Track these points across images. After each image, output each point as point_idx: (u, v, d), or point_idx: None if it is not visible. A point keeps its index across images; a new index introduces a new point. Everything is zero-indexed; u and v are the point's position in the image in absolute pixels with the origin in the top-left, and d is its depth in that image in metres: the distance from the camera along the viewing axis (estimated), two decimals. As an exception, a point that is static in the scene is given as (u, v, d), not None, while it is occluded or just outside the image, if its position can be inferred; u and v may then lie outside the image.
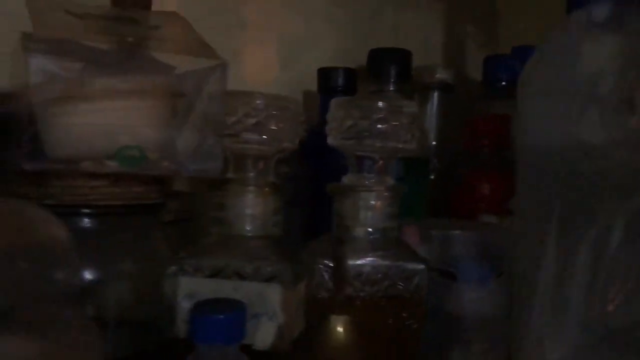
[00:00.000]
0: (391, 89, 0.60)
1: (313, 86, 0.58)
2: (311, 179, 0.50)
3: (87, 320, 0.20)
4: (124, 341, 0.29)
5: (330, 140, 0.39)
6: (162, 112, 0.28)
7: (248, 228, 0.35)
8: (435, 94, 0.69)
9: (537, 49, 0.47)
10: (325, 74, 0.53)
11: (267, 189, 0.35)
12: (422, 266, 0.37)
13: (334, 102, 0.39)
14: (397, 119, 0.37)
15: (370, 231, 0.38)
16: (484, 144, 0.63)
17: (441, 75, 0.68)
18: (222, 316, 0.29)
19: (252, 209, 0.35)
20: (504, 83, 0.70)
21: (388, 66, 0.59)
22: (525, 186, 0.45)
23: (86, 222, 0.27)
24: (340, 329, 0.27)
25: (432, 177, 0.66)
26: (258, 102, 0.33)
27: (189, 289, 0.32)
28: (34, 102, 0.24)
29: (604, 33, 0.41)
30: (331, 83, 0.52)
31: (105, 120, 0.26)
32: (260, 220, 0.35)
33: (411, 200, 0.51)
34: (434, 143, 0.68)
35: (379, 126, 0.37)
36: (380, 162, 0.38)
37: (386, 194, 0.38)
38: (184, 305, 0.32)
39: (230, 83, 0.47)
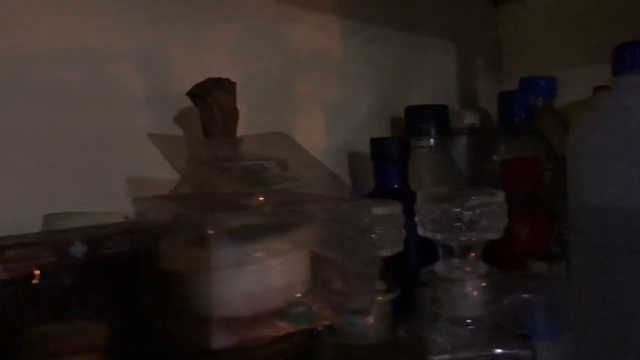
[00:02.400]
0: (431, 144, 0.61)
1: (356, 147, 0.59)
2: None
3: None
4: None
5: (421, 232, 0.40)
6: (315, 258, 0.28)
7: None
8: (464, 138, 0.71)
9: (589, 110, 0.48)
10: (378, 143, 0.53)
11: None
12: (530, 351, 0.38)
13: (422, 195, 0.40)
14: (491, 210, 0.38)
15: (469, 322, 0.39)
16: (520, 187, 0.65)
17: (469, 120, 0.70)
18: None
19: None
20: (522, 118, 0.72)
21: (428, 123, 0.60)
22: (584, 243, 0.46)
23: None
24: None
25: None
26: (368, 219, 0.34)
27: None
28: (213, 269, 0.24)
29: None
30: (385, 152, 0.53)
31: (271, 280, 0.26)
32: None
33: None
34: (467, 187, 0.69)
35: (474, 220, 0.38)
36: (473, 250, 0.39)
37: (483, 283, 0.39)
38: None
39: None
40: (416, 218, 0.40)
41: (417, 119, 0.60)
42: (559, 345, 0.49)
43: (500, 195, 0.39)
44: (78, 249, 0.29)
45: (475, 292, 0.39)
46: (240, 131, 0.44)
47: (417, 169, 0.61)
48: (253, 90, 0.50)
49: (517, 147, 0.72)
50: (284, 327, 0.26)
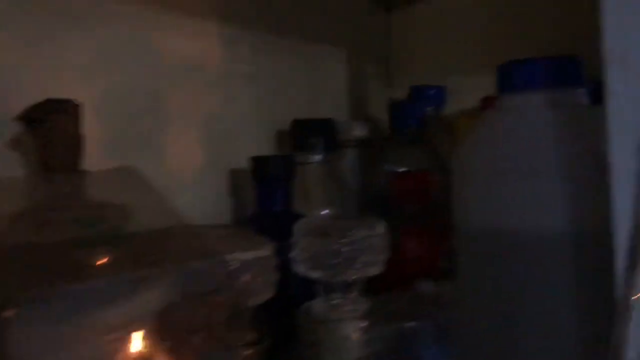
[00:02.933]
0: (318, 160, 0.59)
1: (240, 165, 0.55)
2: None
3: None
4: None
5: (300, 270, 0.36)
6: (171, 314, 0.24)
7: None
8: (354, 150, 0.69)
9: (475, 129, 0.47)
10: (259, 162, 0.49)
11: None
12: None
13: (298, 229, 0.36)
14: (371, 244, 0.36)
15: (350, 364, 0.36)
16: (410, 202, 0.64)
17: (358, 132, 0.68)
18: None
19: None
20: (412, 128, 0.71)
21: (314, 138, 0.57)
22: (468, 264, 0.45)
23: None
24: None
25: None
26: (233, 264, 0.30)
27: None
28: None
29: (539, 115, 0.42)
30: (267, 172, 0.49)
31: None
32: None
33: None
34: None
35: (354, 257, 0.35)
36: (353, 287, 0.37)
37: (364, 324, 0.36)
38: None
39: (158, 174, 0.43)
40: (292, 254, 0.37)
41: (303, 134, 0.57)
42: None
43: (381, 228, 0.37)
44: None
45: (356, 334, 0.36)
46: (101, 156, 0.39)
47: (304, 187, 0.58)
48: (116, 108, 0.44)
49: (407, 158, 0.71)
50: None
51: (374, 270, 0.36)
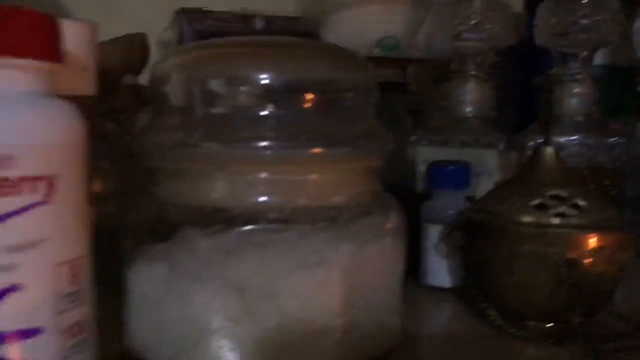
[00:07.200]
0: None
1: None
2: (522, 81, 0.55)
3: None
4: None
5: (537, 40, 0.45)
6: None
7: (468, 110, 0.44)
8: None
9: None
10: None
11: (484, 79, 0.43)
12: (622, 140, 0.42)
13: (541, 5, 0.45)
14: (600, 13, 0.42)
15: (575, 116, 0.44)
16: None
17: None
18: (452, 167, 0.38)
19: (471, 95, 0.43)
20: None
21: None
22: None
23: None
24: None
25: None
26: (476, 5, 0.42)
27: (425, 156, 0.42)
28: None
29: None
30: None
31: (369, 18, 0.37)
32: (478, 104, 0.44)
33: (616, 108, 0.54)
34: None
35: (582, 21, 0.42)
36: (584, 53, 0.44)
37: (589, 82, 0.43)
38: (421, 168, 0.42)
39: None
40: (533, 29, 0.46)
41: None
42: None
43: (612, 1, 0.43)
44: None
45: (582, 90, 0.44)
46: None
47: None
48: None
49: None
50: (375, 51, 0.35)
51: (602, 45, 0.43)
